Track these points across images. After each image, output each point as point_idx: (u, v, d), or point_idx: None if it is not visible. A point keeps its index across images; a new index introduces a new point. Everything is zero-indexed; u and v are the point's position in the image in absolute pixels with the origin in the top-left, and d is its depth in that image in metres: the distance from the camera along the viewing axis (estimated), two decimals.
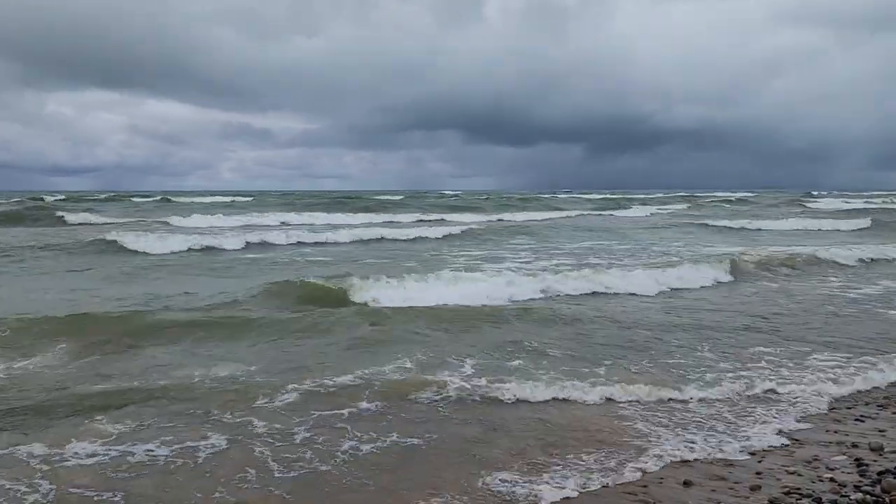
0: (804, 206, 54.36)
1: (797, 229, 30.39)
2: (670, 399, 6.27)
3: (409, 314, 9.39)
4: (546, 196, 79.77)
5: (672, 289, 12.52)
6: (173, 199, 59.63)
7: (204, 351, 7.71)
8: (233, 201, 55.19)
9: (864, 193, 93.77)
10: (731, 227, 30.10)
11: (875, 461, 4.95)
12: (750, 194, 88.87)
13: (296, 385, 6.32)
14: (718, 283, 13.44)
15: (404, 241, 22.64)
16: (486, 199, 63.55)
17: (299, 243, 21.40)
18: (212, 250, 19.18)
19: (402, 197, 65.02)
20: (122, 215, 35.75)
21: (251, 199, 61.01)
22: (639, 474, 4.74)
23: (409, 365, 7.09)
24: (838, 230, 29.75)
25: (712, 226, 30.65)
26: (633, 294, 11.98)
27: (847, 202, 59.92)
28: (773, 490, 4.52)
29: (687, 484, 4.60)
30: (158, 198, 61.51)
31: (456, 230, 25.05)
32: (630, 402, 6.19)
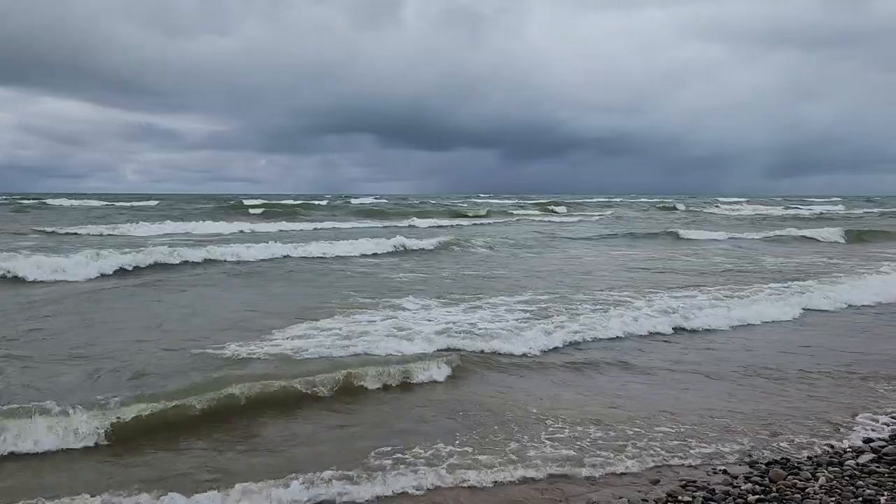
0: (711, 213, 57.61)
1: (804, 237, 28.95)
2: None
3: None
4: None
5: None
6: (51, 202, 56.86)
7: None
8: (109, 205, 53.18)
9: (775, 199, 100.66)
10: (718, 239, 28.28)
11: (765, 452, 5.56)
12: (668, 199, 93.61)
13: None
14: None
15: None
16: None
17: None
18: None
19: (325, 202, 63.98)
20: None
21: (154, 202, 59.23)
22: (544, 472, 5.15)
23: None
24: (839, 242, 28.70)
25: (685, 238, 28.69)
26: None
27: (769, 208, 64.52)
28: (672, 484, 5.01)
29: (590, 479, 5.03)
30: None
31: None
32: None
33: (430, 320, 10.10)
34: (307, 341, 8.47)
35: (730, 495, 4.82)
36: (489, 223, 39.94)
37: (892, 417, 6.32)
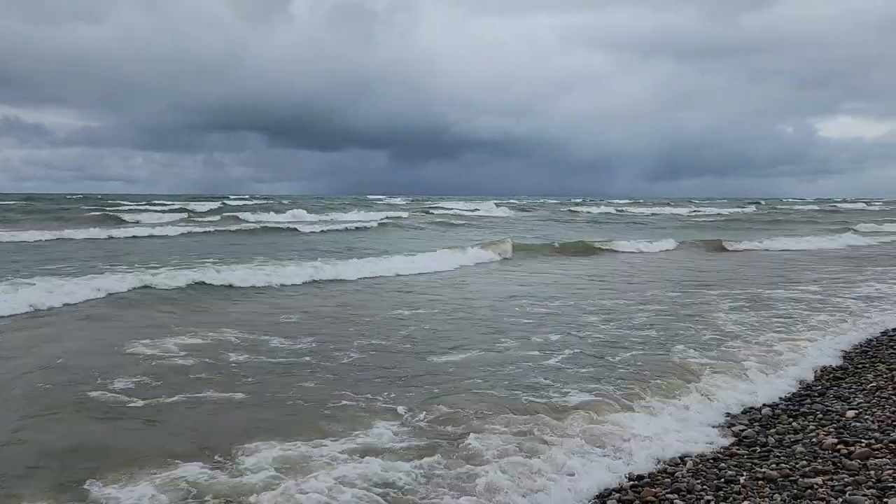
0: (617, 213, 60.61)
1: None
2: None
3: None
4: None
5: None
6: None
7: None
8: None
9: (664, 200, 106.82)
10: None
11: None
12: (577, 200, 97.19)
13: None
14: None
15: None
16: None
17: None
18: None
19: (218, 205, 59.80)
20: None
21: None
22: None
23: None
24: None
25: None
26: None
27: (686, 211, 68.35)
28: None
29: None
30: None
31: None
32: None
33: None
34: None
35: None
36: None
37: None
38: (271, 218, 41.85)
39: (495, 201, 76.22)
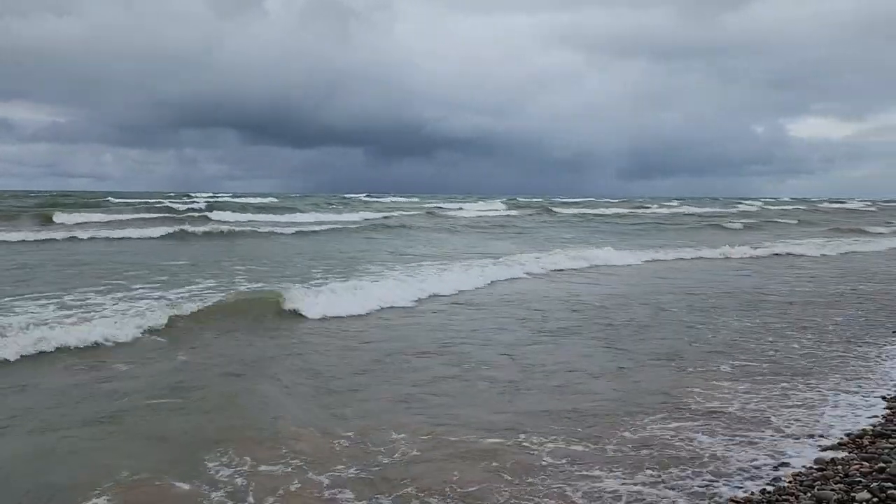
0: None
1: None
2: None
3: None
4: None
5: None
6: None
7: None
8: None
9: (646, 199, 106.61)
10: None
11: None
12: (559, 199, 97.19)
13: None
14: None
15: None
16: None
17: None
18: None
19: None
20: None
21: None
22: None
23: None
24: None
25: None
26: None
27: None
28: None
29: None
30: None
31: None
32: None
33: None
34: None
35: None
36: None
37: None
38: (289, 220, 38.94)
39: (501, 201, 74.76)
